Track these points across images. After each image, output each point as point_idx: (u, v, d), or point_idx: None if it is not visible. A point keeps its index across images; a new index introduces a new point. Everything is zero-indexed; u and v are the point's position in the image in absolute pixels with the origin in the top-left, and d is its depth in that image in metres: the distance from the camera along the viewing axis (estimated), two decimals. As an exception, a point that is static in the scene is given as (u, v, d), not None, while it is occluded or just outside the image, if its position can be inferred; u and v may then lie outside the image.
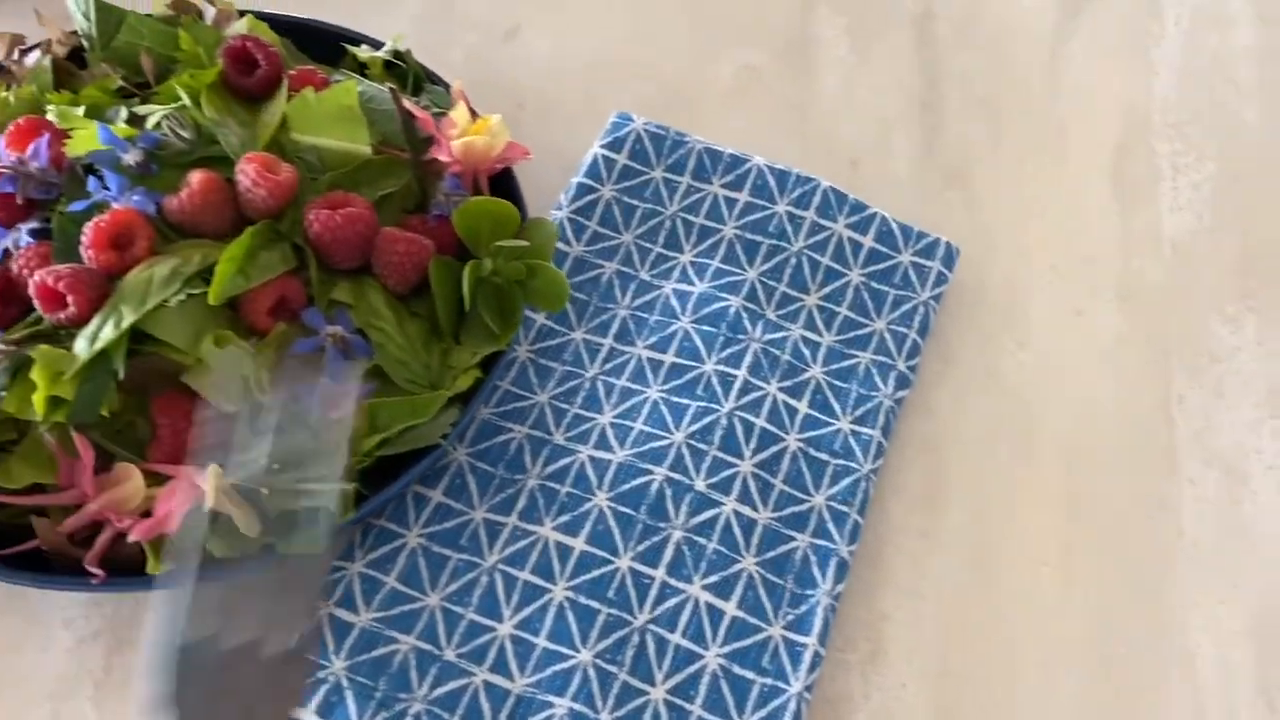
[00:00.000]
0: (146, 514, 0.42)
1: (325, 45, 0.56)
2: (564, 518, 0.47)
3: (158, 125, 0.47)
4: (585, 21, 0.66)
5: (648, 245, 0.56)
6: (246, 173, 0.45)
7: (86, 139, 0.45)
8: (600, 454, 0.49)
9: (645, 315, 0.54)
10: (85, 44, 0.53)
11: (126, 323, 0.41)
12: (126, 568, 0.42)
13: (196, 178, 0.45)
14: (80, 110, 0.48)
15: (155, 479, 0.43)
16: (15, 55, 0.52)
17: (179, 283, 0.42)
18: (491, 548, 0.47)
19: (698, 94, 0.64)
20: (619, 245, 0.56)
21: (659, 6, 0.67)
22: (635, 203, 0.57)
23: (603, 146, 0.58)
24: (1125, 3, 0.70)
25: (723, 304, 0.53)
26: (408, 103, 0.49)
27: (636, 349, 0.52)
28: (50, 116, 0.48)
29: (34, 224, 0.45)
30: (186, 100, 0.47)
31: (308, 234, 0.45)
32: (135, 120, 0.48)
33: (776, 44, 0.66)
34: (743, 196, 0.57)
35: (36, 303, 0.42)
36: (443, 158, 0.48)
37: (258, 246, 0.44)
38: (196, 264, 0.43)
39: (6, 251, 0.45)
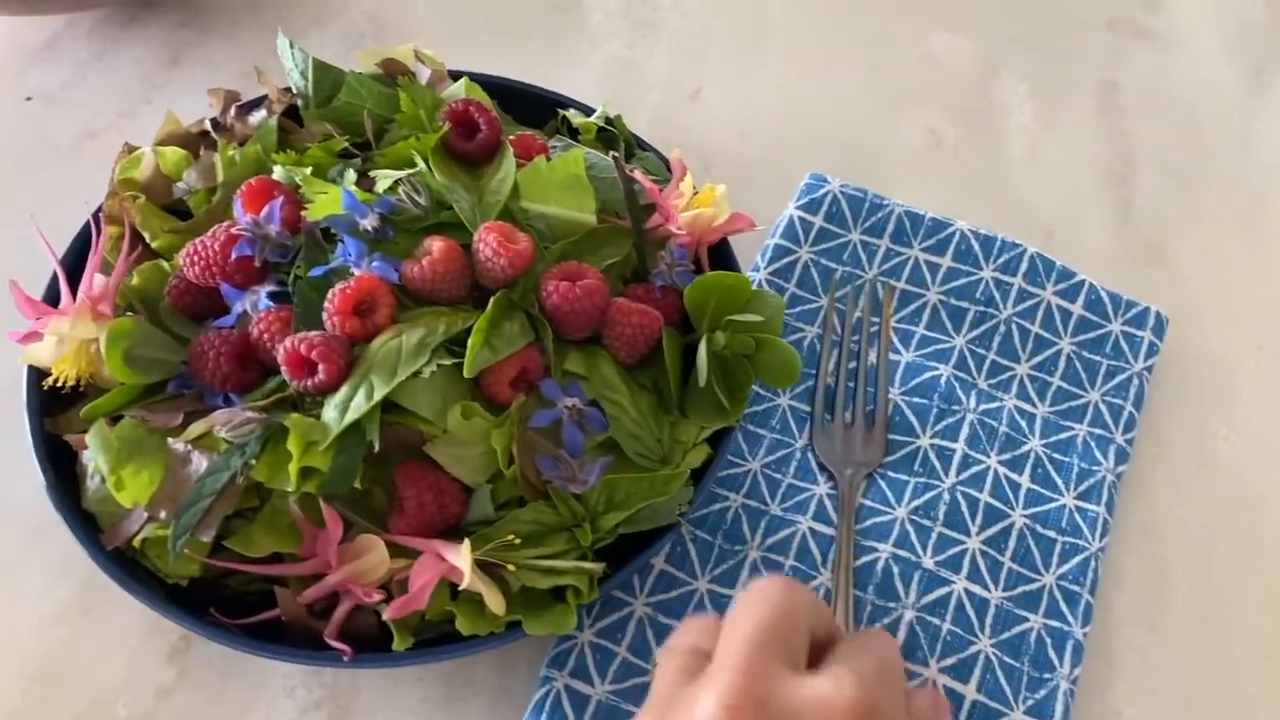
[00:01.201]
0: (385, 586, 0.42)
1: (524, 106, 0.56)
2: (792, 594, 0.46)
3: (392, 190, 0.47)
4: (766, 84, 0.66)
5: (841, 307, 0.55)
6: (488, 242, 0.45)
7: (328, 203, 0.45)
8: (820, 527, 0.48)
9: (850, 384, 0.53)
10: (300, 102, 0.53)
11: (379, 394, 0.41)
12: (359, 639, 0.42)
13: (437, 246, 0.45)
14: (307, 171, 0.48)
15: (395, 550, 0.42)
16: (231, 112, 0.53)
17: (427, 353, 0.42)
18: (720, 623, 0.46)
19: (882, 158, 0.63)
20: (818, 309, 0.55)
21: (839, 70, 0.67)
22: (833, 265, 0.56)
23: (798, 207, 0.57)
24: (1314, 65, 0.69)
25: (933, 373, 0.52)
26: (638, 174, 0.49)
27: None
28: (277, 176, 0.49)
29: (271, 287, 0.45)
30: (422, 165, 0.47)
31: (544, 305, 0.45)
32: (364, 183, 0.48)
33: (959, 109, 0.66)
34: (946, 261, 0.56)
35: (284, 369, 0.42)
36: (672, 228, 0.48)
37: (499, 317, 0.44)
38: (441, 334, 0.43)
39: (243, 314, 0.45)
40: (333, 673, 0.46)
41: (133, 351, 0.44)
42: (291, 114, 0.53)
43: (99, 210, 0.49)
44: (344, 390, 0.42)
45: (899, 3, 0.71)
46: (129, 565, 0.43)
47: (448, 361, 0.42)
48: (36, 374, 0.45)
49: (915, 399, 0.52)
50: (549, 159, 0.51)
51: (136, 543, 0.42)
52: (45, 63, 0.63)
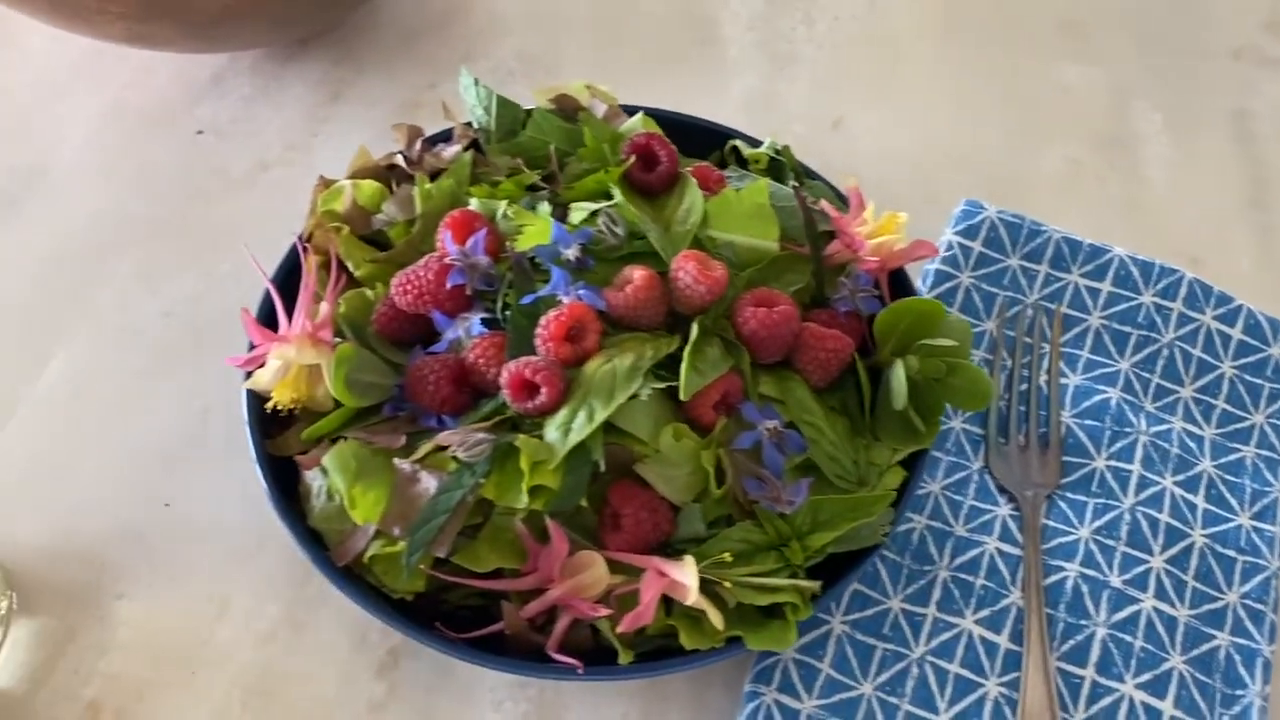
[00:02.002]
0: (602, 600, 0.43)
1: (689, 137, 0.58)
2: (984, 612, 0.47)
3: (589, 221, 0.49)
4: (905, 112, 0.68)
5: (1010, 334, 0.56)
6: (688, 270, 0.46)
7: (535, 235, 0.47)
8: (1006, 547, 0.49)
9: (1022, 408, 0.54)
10: (483, 136, 0.55)
11: (600, 416, 0.43)
12: (574, 653, 0.43)
13: (639, 275, 0.46)
14: (502, 203, 0.50)
15: (611, 565, 0.43)
16: (417, 146, 0.55)
17: (640, 378, 0.44)
18: (916, 638, 0.47)
19: (1025, 185, 0.65)
20: (982, 333, 0.57)
21: (974, 98, 0.69)
22: (994, 290, 0.58)
23: (956, 233, 0.59)
24: None
25: (1102, 397, 0.54)
26: (824, 204, 0.51)
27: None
28: (473, 207, 0.51)
29: (483, 314, 0.47)
30: (618, 198, 0.49)
31: (740, 330, 0.47)
32: (557, 214, 0.50)
33: (1096, 138, 0.67)
34: (1105, 286, 0.57)
35: (506, 392, 0.44)
36: (860, 254, 0.49)
37: (702, 343, 0.45)
38: (650, 359, 0.45)
39: (456, 340, 0.47)
40: (538, 687, 0.48)
41: (351, 376, 0.46)
42: (472, 147, 0.55)
43: (304, 239, 0.51)
44: (564, 412, 0.43)
45: (1027, 33, 0.72)
46: (355, 580, 0.44)
47: (660, 385, 0.44)
48: (255, 398, 0.47)
49: (1087, 421, 0.53)
50: (726, 188, 0.53)
51: (365, 559, 0.44)
52: (213, 98, 0.66)
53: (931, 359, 0.48)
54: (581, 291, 0.46)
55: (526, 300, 0.46)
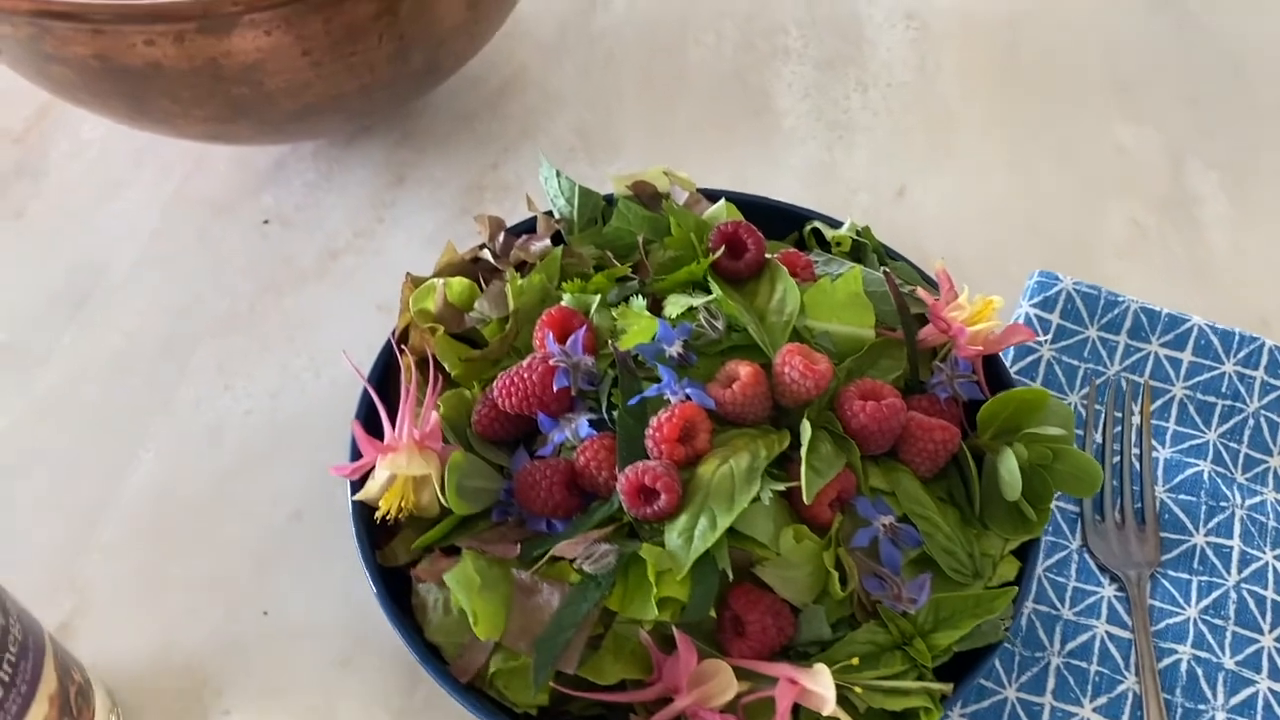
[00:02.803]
0: (729, 709, 0.43)
1: (765, 218, 0.58)
2: (1101, 699, 0.47)
3: (688, 315, 0.48)
4: (966, 179, 0.68)
5: (1097, 407, 0.57)
6: (794, 365, 0.46)
7: (640, 333, 0.47)
8: (1115, 630, 0.49)
9: (1115, 483, 0.54)
10: (564, 227, 0.55)
11: (724, 522, 0.42)
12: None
13: (745, 371, 0.46)
14: (595, 299, 0.50)
15: (736, 673, 0.43)
16: (500, 238, 0.55)
17: (758, 480, 0.44)
18: (1037, 732, 0.47)
19: (1090, 251, 0.65)
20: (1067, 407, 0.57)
21: (1033, 163, 0.69)
22: (1075, 362, 0.58)
23: (1033, 305, 0.59)
24: None
25: (1194, 470, 0.54)
26: (922, 291, 0.51)
27: (1116, 517, 0.53)
28: (565, 303, 0.50)
29: (589, 416, 0.47)
30: (717, 291, 0.49)
31: (849, 424, 0.46)
32: (651, 306, 0.50)
33: (1155, 199, 0.67)
34: (1186, 356, 0.57)
35: (623, 498, 0.43)
36: (963, 344, 0.49)
37: (817, 440, 0.45)
38: (764, 458, 0.45)
39: (561, 443, 0.47)
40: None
41: (462, 483, 0.46)
42: (556, 237, 0.55)
43: (400, 341, 0.51)
44: (684, 518, 0.43)
45: (1076, 93, 0.73)
46: (476, 694, 0.44)
47: (780, 487, 0.44)
48: (362, 508, 0.47)
49: (1182, 496, 0.53)
50: (815, 275, 0.53)
51: (487, 674, 0.43)
52: (276, 185, 0.66)
53: (1037, 446, 0.48)
54: (690, 390, 0.46)
55: (634, 401, 0.46)
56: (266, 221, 0.64)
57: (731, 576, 0.42)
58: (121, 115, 0.54)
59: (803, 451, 0.44)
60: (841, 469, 0.45)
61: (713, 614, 0.44)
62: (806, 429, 0.45)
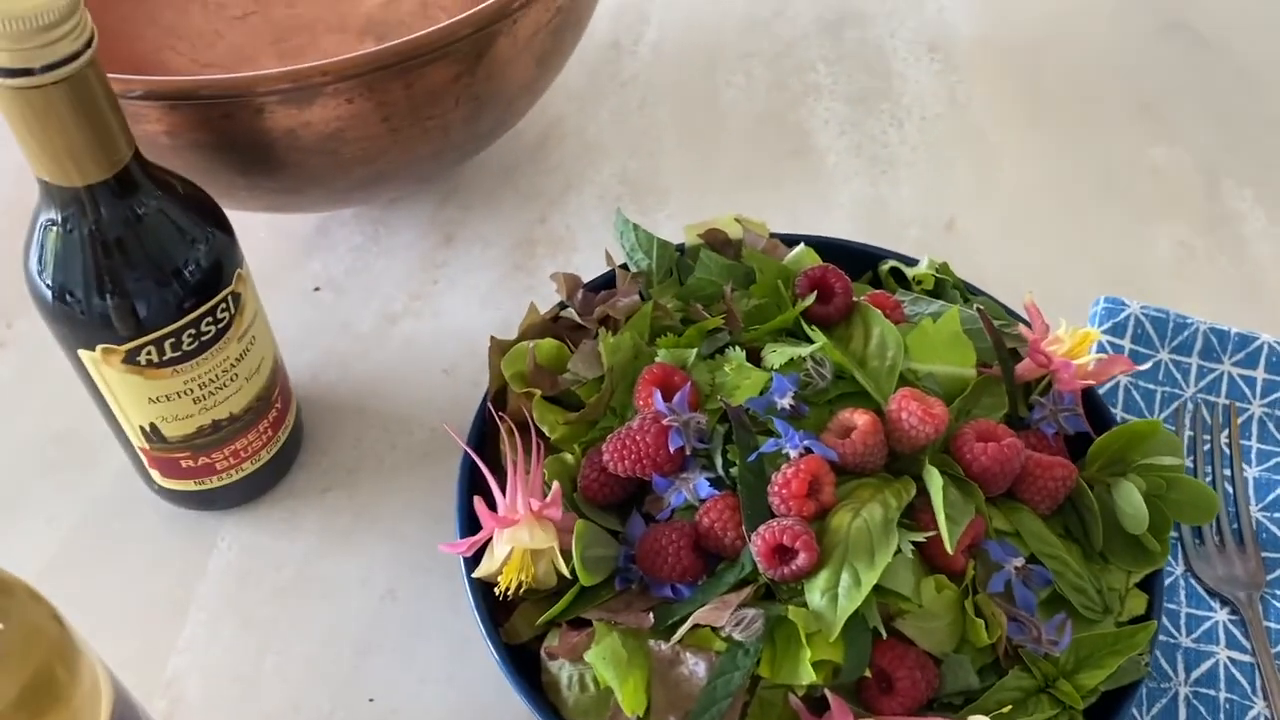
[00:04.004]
0: (880, 766, 0.42)
1: (837, 259, 0.57)
2: (1236, 728, 0.47)
3: (793, 366, 0.48)
4: (1012, 208, 0.68)
5: (1180, 430, 0.57)
6: (911, 410, 0.45)
7: (750, 387, 0.46)
8: (1236, 655, 0.49)
9: (1209, 504, 0.54)
10: (644, 280, 0.54)
11: (868, 578, 0.41)
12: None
13: (862, 420, 0.45)
14: (692, 353, 0.49)
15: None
16: (579, 295, 0.54)
17: (894, 531, 0.43)
18: (1178, 767, 0.46)
19: (1143, 274, 0.66)
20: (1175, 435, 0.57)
21: (1074, 187, 0.70)
22: (1151, 386, 0.58)
23: (1105, 332, 0.59)
24: None
25: (1285, 487, 0.54)
26: (1021, 328, 0.51)
27: (1216, 540, 0.53)
28: (661, 359, 0.49)
29: (707, 475, 0.46)
30: (820, 339, 0.48)
31: (970, 468, 0.46)
32: (750, 360, 0.49)
33: (1198, 219, 0.68)
34: (1259, 374, 0.58)
35: (759, 559, 0.42)
36: (1067, 377, 0.49)
37: (946, 485, 0.44)
38: (896, 509, 0.44)
39: (680, 505, 0.46)
40: None
41: (585, 553, 0.44)
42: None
43: (498, 409, 0.49)
44: (825, 576, 0.42)
45: (1107, 116, 0.74)
46: (619, 773, 0.42)
47: (920, 538, 0.43)
48: (481, 585, 0.45)
49: (1277, 514, 0.53)
50: (904, 315, 0.53)
51: (633, 751, 0.42)
52: (322, 251, 0.64)
53: (1152, 476, 0.48)
54: (809, 443, 0.45)
55: (752, 457, 0.45)
56: (318, 289, 0.62)
57: (884, 634, 0.41)
58: None
59: (937, 501, 0.43)
60: (972, 514, 0.45)
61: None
62: (935, 477, 0.44)
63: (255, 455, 0.51)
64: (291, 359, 0.59)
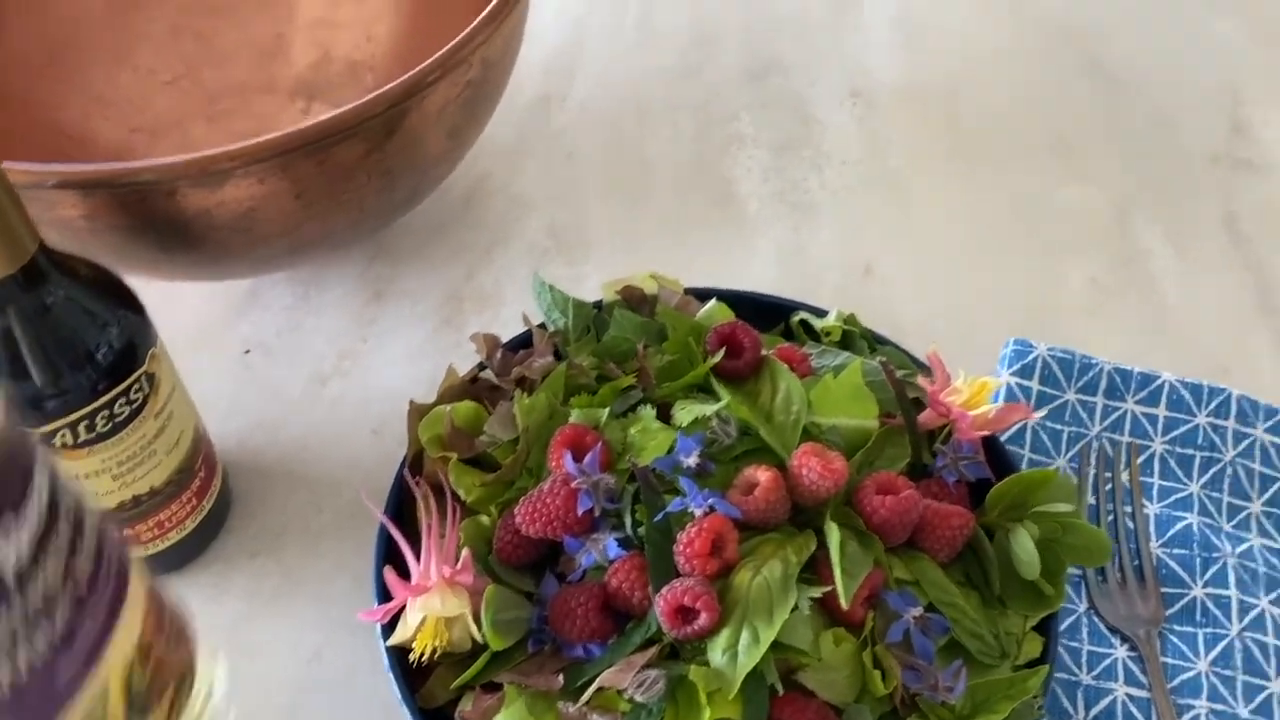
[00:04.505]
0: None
1: (750, 311, 0.59)
2: (1132, 763, 0.49)
3: (699, 424, 0.49)
4: (928, 251, 0.70)
5: (1090, 470, 0.59)
6: (811, 466, 0.47)
7: (657, 447, 0.48)
8: (1134, 691, 0.51)
9: (1113, 541, 0.56)
10: (560, 340, 0.56)
11: (766, 635, 0.43)
12: None
13: (764, 476, 0.47)
14: (604, 412, 0.51)
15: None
16: (498, 356, 0.55)
17: (794, 588, 0.44)
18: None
19: (1055, 313, 0.68)
20: (1055, 471, 0.59)
21: (989, 229, 0.72)
22: (1058, 427, 0.60)
23: (1012, 374, 0.61)
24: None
25: (1184, 523, 0.56)
26: (921, 379, 0.52)
27: (1119, 577, 0.55)
28: (574, 419, 0.51)
29: (615, 535, 0.47)
30: (726, 397, 0.50)
31: (870, 520, 0.48)
32: (661, 417, 0.51)
33: (1109, 257, 0.70)
34: (1161, 412, 0.60)
35: (662, 619, 0.44)
36: (965, 428, 0.51)
37: (845, 542, 0.46)
38: (796, 564, 0.45)
39: (589, 566, 0.47)
40: None
41: (497, 617, 0.45)
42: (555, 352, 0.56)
43: (415, 475, 0.51)
44: (726, 634, 0.43)
45: (1022, 156, 0.76)
46: (533, 833, 0.43)
47: (817, 594, 0.45)
48: (397, 653, 0.46)
49: (1176, 550, 0.55)
50: (811, 368, 0.54)
51: (546, 811, 0.43)
52: (254, 312, 0.65)
53: (1047, 521, 0.50)
54: (714, 501, 0.47)
55: (659, 517, 0.47)
56: (248, 352, 0.63)
57: (781, 690, 0.43)
58: (158, 274, 0.53)
59: (834, 556, 0.45)
60: (870, 567, 0.46)
61: (759, 725, 0.45)
62: (834, 531, 0.46)
63: (180, 525, 0.52)
64: (220, 424, 0.60)
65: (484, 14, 0.51)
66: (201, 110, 0.72)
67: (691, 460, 0.48)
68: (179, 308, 0.65)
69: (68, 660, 0.31)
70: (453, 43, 0.50)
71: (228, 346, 0.64)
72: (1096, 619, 0.54)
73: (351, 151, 0.50)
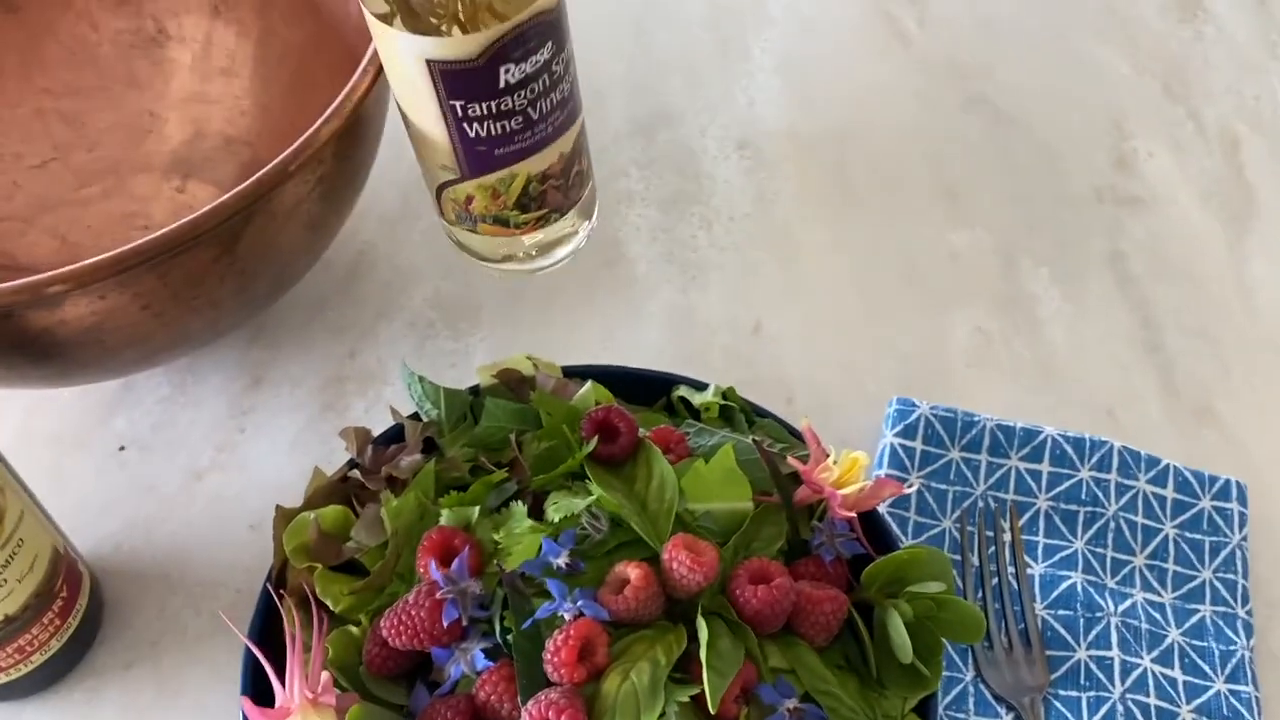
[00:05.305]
0: None
1: (631, 387, 0.58)
2: (1015, 838, 0.49)
3: (570, 521, 0.49)
4: (817, 307, 0.70)
5: (970, 529, 0.59)
6: (681, 560, 0.47)
7: (524, 551, 0.47)
8: (1018, 762, 0.51)
9: (997, 605, 0.56)
10: (434, 431, 0.55)
11: (636, 746, 0.42)
12: None
13: (634, 574, 0.46)
14: (475, 510, 0.50)
15: None
16: (369, 452, 0.54)
17: (661, 692, 0.44)
18: None
19: (942, 365, 0.67)
20: (941, 534, 0.59)
21: (878, 281, 0.72)
22: (943, 486, 0.60)
23: (895, 435, 0.61)
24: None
25: (1068, 583, 0.56)
26: (792, 459, 0.52)
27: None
28: (444, 521, 0.50)
29: (483, 644, 0.46)
30: (597, 491, 0.49)
31: (743, 611, 0.47)
32: (536, 514, 0.50)
33: (995, 303, 0.71)
34: (1044, 468, 0.60)
35: (529, 734, 0.43)
36: (837, 508, 0.51)
37: (715, 638, 0.46)
38: (665, 666, 0.45)
39: (459, 678, 0.46)
40: None
41: (363, 736, 0.45)
42: (427, 444, 0.55)
43: (278, 587, 0.49)
44: (594, 746, 0.43)
45: (909, 204, 0.76)
46: None
47: (684, 698, 0.44)
48: (263, 778, 0.45)
49: (1060, 611, 0.55)
50: (691, 450, 0.54)
51: None
52: (127, 406, 0.64)
53: (921, 600, 0.49)
54: (583, 604, 0.46)
55: (527, 624, 0.46)
56: (123, 448, 0.62)
57: (654, 803, 0.42)
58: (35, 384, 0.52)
59: (703, 654, 0.44)
60: (742, 662, 0.46)
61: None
62: (703, 628, 0.45)
63: (44, 646, 0.51)
64: (93, 527, 0.58)
65: (330, 109, 0.50)
66: (74, 193, 0.71)
67: (561, 561, 0.47)
68: (49, 407, 0.63)
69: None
70: (295, 144, 0.48)
71: (101, 444, 0.62)
72: (983, 688, 0.54)
73: (198, 259, 0.48)
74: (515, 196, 0.58)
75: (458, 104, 0.53)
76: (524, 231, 0.60)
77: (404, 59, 0.53)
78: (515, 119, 0.54)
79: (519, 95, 0.53)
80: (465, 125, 0.54)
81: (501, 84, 0.53)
